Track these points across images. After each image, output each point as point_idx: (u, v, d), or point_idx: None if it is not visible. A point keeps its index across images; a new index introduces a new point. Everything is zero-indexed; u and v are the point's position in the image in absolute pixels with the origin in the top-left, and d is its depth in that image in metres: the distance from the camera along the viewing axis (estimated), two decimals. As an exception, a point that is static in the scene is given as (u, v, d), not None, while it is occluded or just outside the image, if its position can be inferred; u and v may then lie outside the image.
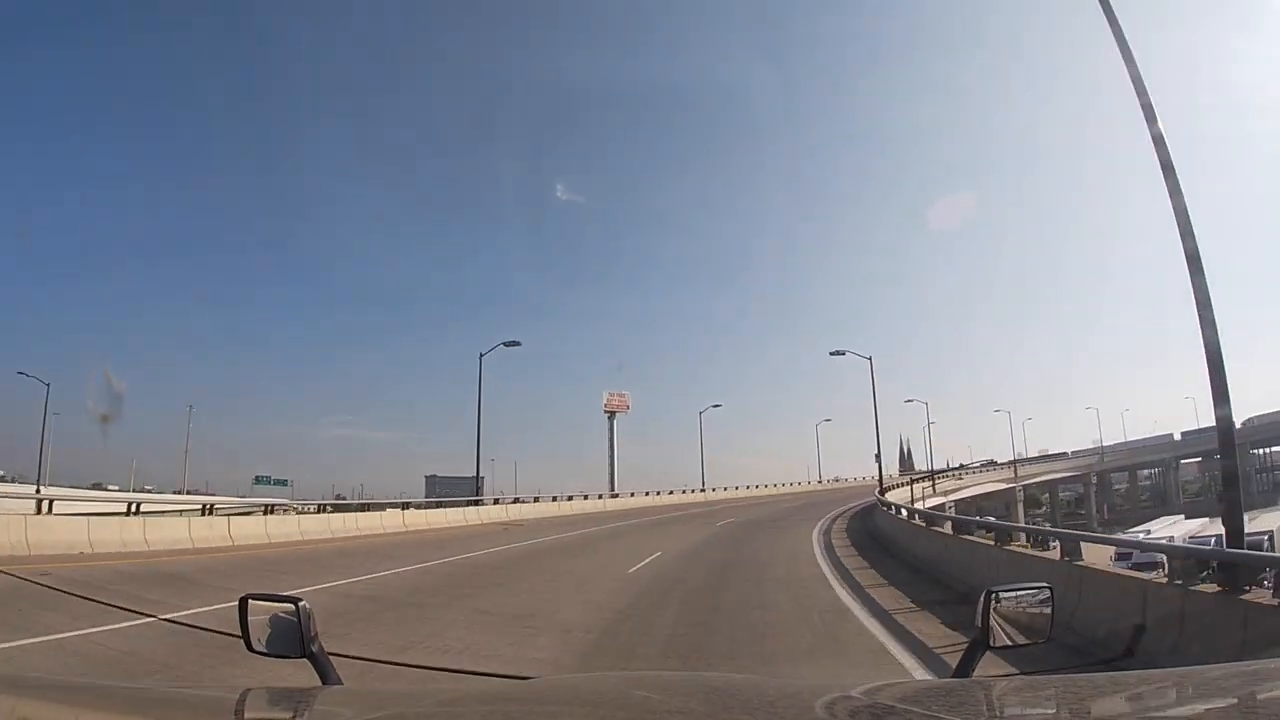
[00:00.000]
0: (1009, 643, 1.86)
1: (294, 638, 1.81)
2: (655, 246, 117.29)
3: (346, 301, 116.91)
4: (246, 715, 1.41)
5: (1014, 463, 64.13)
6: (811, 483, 70.72)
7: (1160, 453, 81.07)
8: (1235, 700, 1.23)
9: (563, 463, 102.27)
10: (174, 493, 48.57)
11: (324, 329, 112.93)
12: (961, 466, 61.49)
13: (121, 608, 8.54)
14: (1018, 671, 4.32)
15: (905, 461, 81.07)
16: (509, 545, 19.15)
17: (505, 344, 33.58)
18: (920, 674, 6.14)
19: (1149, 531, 36.59)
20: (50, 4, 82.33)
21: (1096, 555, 9.30)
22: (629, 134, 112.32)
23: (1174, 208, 9.60)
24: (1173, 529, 41.13)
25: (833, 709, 1.23)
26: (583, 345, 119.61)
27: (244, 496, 45.15)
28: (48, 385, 45.33)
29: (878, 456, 37.43)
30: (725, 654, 7.18)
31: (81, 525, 15.25)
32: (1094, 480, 74.34)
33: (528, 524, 28.78)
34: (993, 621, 1.81)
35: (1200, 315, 9.14)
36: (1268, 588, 5.46)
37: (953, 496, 50.86)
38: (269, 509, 20.75)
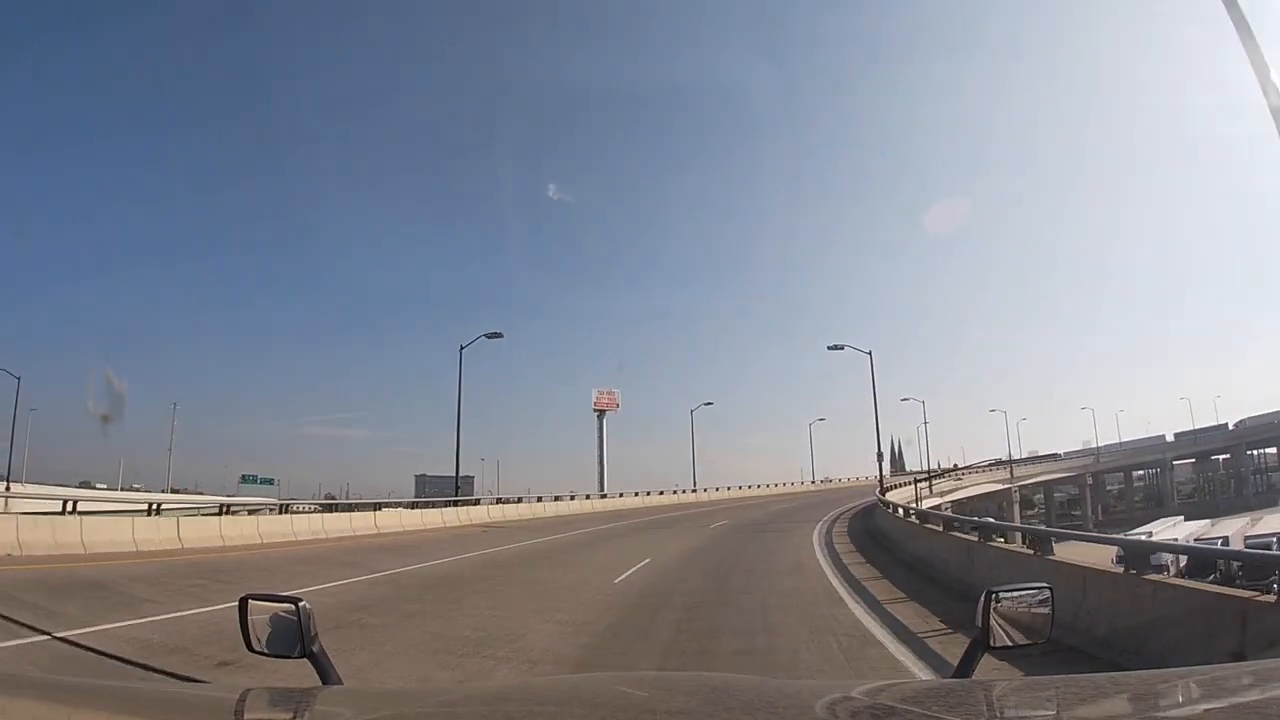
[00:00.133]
0: (1009, 643, 1.83)
1: (294, 638, 1.81)
2: (655, 246, 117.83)
3: (346, 302, 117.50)
4: (246, 715, 1.41)
5: (1010, 463, 63.21)
6: (805, 483, 70.04)
7: (1154, 454, 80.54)
8: (1235, 700, 1.22)
9: (560, 463, 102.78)
10: (163, 491, 47.70)
11: (322, 329, 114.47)
12: (956, 467, 60.43)
13: (18, 622, 7.75)
14: (1018, 672, 4.27)
15: (896, 462, 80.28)
16: (484, 550, 17.63)
17: (487, 336, 32.17)
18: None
19: (1151, 534, 36.04)
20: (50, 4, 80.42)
21: (1097, 555, 9.25)
22: (629, 134, 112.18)
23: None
24: (1174, 531, 40.57)
25: (833, 709, 1.24)
26: (581, 345, 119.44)
27: (231, 496, 44.17)
28: (18, 378, 44.64)
29: (880, 455, 36.02)
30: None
31: (10, 525, 14.02)
32: (1089, 481, 73.58)
33: (510, 526, 27.57)
34: (993, 621, 1.80)
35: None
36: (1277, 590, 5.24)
37: (949, 497, 49.98)
38: (225, 509, 19.07)
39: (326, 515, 21.59)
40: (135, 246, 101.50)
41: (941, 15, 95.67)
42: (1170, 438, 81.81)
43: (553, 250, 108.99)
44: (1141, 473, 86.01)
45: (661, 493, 50.74)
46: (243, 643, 1.89)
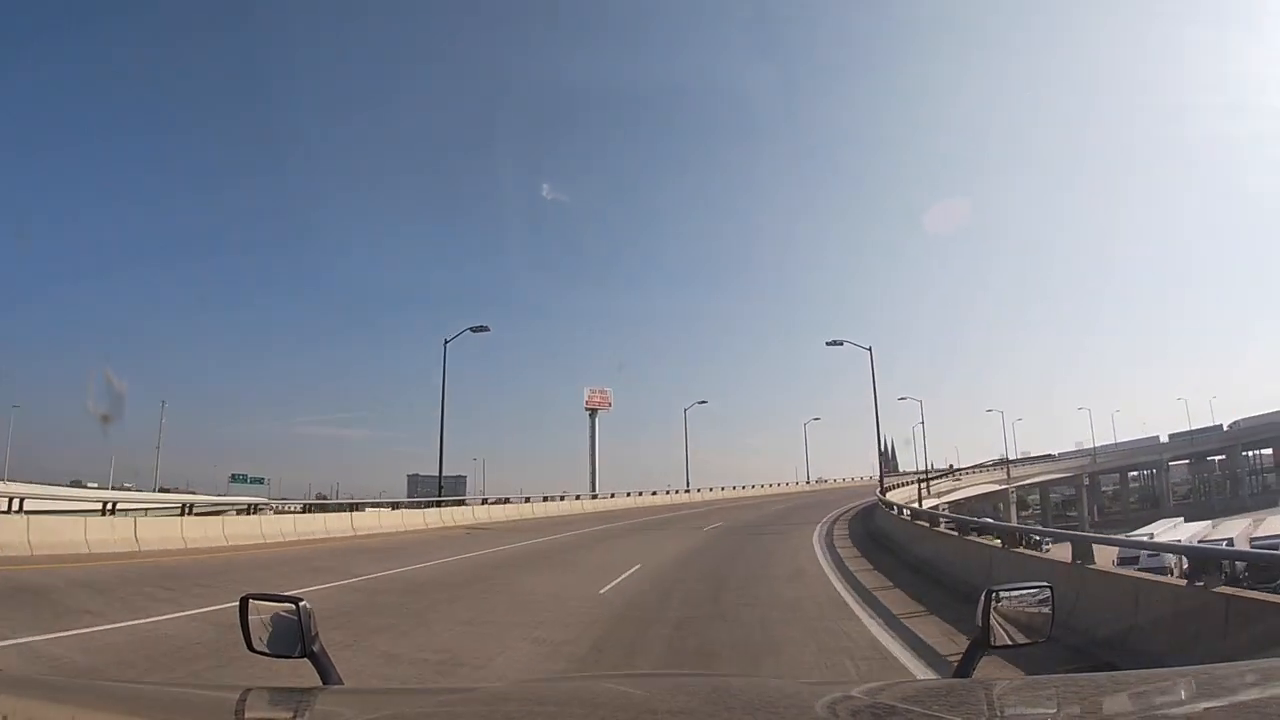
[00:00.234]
0: (1009, 642, 1.79)
1: (294, 637, 1.78)
2: (654, 246, 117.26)
3: (346, 302, 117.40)
4: (246, 715, 1.41)
5: (1007, 464, 62.58)
6: (800, 484, 69.23)
7: (1149, 455, 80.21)
8: (1235, 700, 1.20)
9: (558, 463, 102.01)
10: (152, 490, 46.59)
11: (322, 329, 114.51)
12: (952, 468, 59.73)
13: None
14: (1019, 671, 4.19)
15: (890, 462, 79.55)
16: (465, 555, 16.52)
17: (473, 329, 30.98)
18: None
19: (1152, 535, 35.68)
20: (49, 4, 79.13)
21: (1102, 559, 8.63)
22: (629, 134, 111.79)
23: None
24: (1176, 532, 40.09)
25: (834, 709, 1.23)
26: (581, 345, 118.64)
27: (222, 495, 43.06)
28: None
29: (880, 454, 35.00)
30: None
31: (-52, 527, 13.07)
32: (1085, 482, 73.10)
33: (497, 528, 26.50)
34: (993, 621, 1.76)
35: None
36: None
37: (946, 498, 49.28)
38: (186, 509, 17.92)
39: (299, 516, 20.40)
40: (135, 246, 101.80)
41: (941, 16, 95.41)
42: (1164, 439, 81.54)
43: (552, 250, 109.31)
44: (1136, 474, 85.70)
45: (654, 493, 49.81)
46: (243, 642, 1.86)
